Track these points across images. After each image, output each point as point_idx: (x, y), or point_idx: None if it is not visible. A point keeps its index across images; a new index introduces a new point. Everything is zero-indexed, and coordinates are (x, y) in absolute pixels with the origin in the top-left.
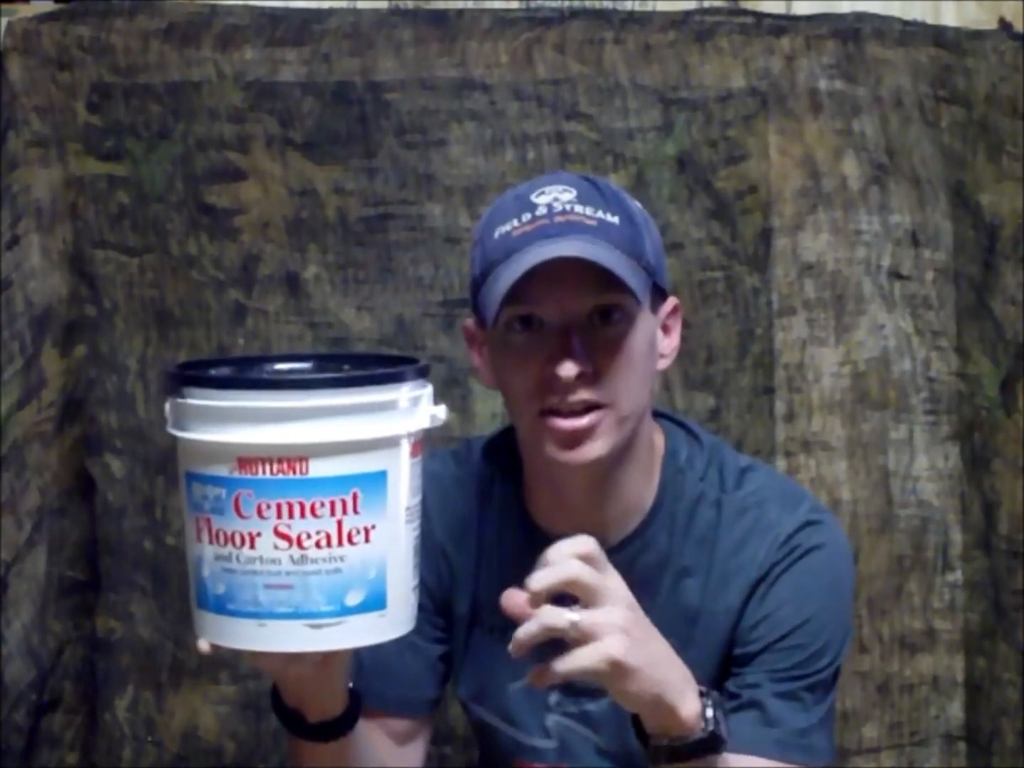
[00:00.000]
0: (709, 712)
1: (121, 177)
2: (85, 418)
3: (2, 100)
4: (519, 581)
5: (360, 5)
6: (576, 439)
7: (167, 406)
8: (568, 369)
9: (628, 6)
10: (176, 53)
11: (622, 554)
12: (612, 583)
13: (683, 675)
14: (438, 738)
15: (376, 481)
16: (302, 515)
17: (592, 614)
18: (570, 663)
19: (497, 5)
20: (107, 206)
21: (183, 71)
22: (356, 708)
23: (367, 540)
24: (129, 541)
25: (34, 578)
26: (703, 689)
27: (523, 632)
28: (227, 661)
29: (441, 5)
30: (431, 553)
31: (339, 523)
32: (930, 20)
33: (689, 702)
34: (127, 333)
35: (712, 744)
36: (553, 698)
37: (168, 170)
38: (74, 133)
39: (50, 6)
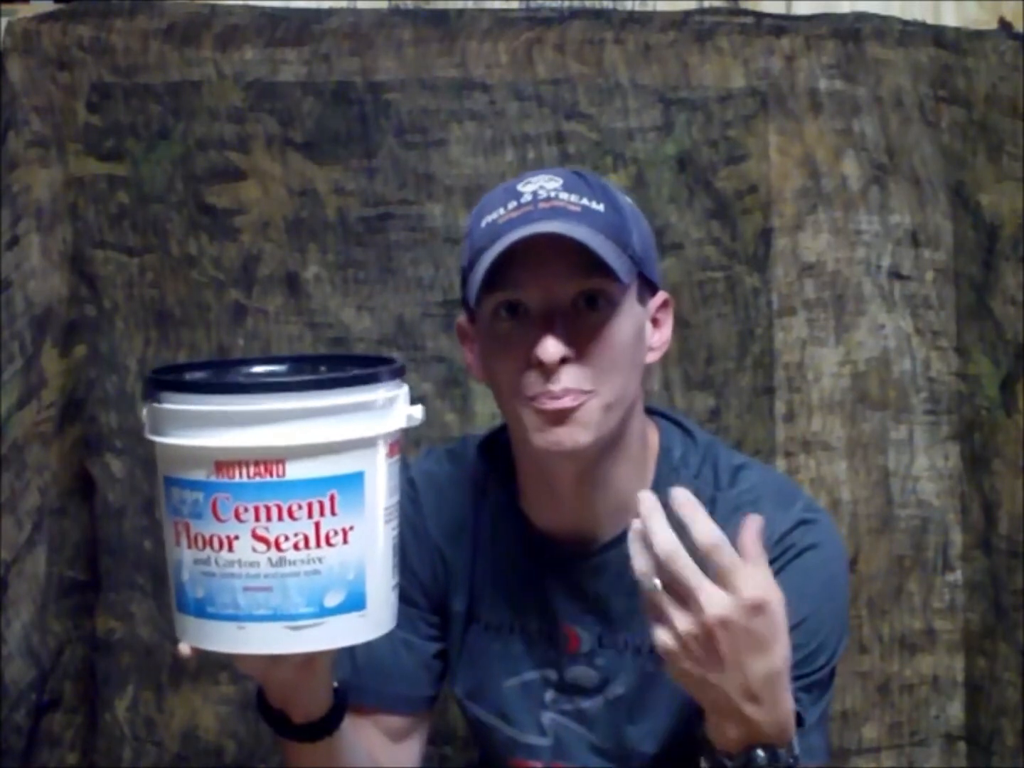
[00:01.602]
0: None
1: (121, 177)
2: (85, 418)
3: (2, 100)
4: (514, 578)
5: (360, 5)
6: (559, 420)
7: (144, 412)
8: (549, 350)
9: (628, 6)
10: (176, 53)
11: (616, 550)
12: (714, 597)
13: (737, 715)
14: (438, 738)
15: (353, 482)
16: (280, 518)
17: (669, 604)
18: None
19: (497, 5)
20: (107, 206)
21: (183, 71)
22: (342, 707)
23: (345, 541)
24: (129, 541)
25: (34, 578)
26: (767, 750)
27: (631, 539)
28: (226, 662)
29: (441, 5)
30: (426, 551)
31: (317, 525)
32: (930, 20)
33: (731, 730)
34: (127, 333)
35: None
36: (549, 695)
37: (168, 170)
38: (74, 133)
39: (50, 6)
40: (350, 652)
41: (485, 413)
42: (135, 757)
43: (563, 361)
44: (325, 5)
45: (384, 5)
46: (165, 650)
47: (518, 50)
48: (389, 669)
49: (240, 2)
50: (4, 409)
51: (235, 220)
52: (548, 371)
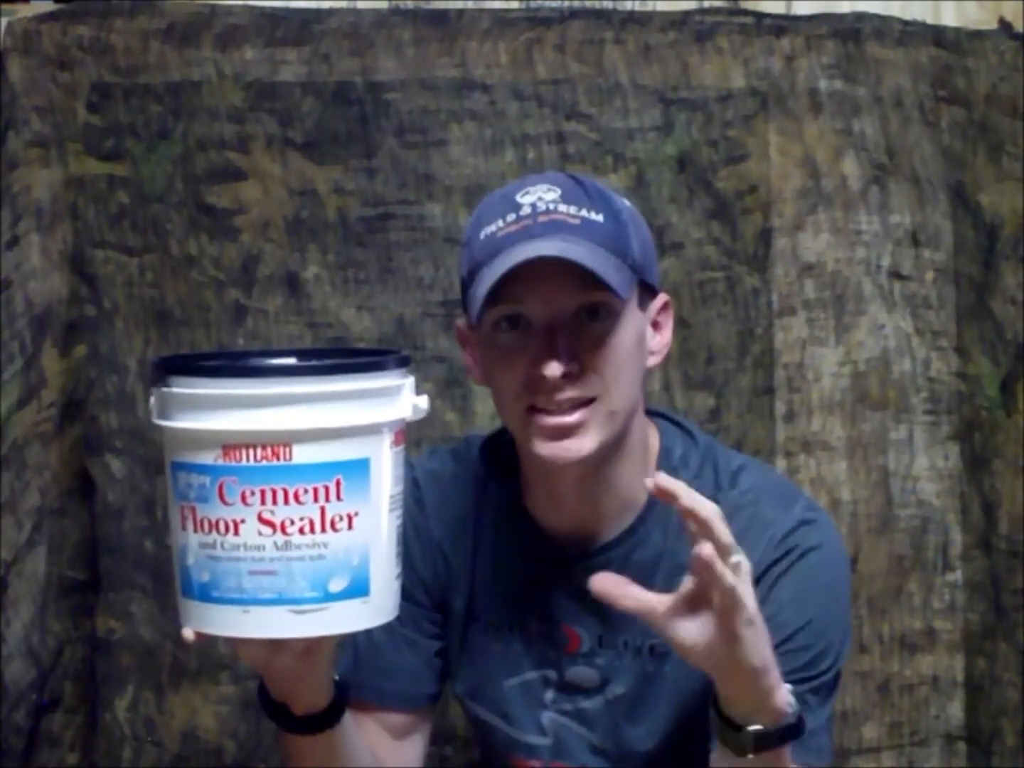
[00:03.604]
0: (792, 700)
1: (121, 177)
2: (85, 418)
3: (2, 100)
4: (515, 578)
5: (360, 5)
6: (564, 434)
7: (152, 397)
8: (553, 369)
9: (628, 6)
10: (176, 53)
11: (616, 550)
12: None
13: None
14: (438, 738)
15: (359, 468)
16: (286, 501)
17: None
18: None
19: (497, 5)
20: (107, 206)
21: (183, 71)
22: (342, 700)
23: (350, 527)
24: (129, 541)
25: (34, 578)
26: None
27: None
28: (227, 661)
29: (441, 5)
30: (429, 550)
31: (322, 509)
32: (930, 20)
33: (782, 692)
34: (127, 333)
35: (797, 730)
36: (549, 695)
37: (168, 170)
38: (74, 133)
39: (50, 6)
40: (352, 648)
41: (485, 413)
42: (135, 757)
43: (565, 375)
44: (325, 5)
45: (384, 5)
46: (165, 650)
47: (518, 50)
48: (392, 666)
49: (240, 2)
50: (4, 409)
51: (235, 220)
52: (551, 386)
